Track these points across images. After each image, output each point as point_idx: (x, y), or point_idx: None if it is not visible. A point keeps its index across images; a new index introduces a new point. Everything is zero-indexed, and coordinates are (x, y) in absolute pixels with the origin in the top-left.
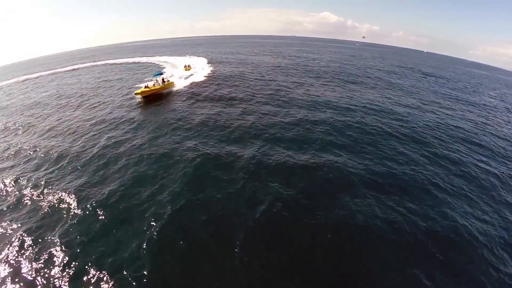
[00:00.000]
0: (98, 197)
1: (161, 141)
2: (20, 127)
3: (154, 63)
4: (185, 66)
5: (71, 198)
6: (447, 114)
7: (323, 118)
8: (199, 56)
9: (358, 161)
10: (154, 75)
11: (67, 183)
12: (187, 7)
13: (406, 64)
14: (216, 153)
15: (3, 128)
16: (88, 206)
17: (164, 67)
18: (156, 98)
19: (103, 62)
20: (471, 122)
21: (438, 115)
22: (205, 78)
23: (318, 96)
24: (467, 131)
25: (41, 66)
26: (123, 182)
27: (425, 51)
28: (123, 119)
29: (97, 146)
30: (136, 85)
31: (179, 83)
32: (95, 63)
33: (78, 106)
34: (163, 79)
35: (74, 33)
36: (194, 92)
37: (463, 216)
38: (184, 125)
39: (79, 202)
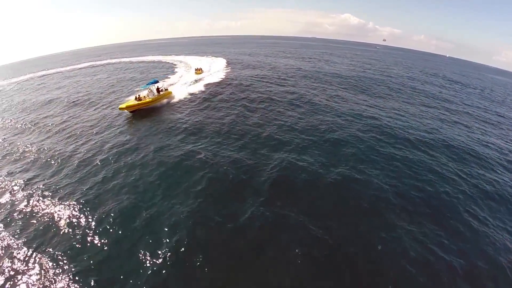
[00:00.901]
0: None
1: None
2: (24, 126)
3: (169, 63)
4: (196, 69)
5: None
6: (479, 128)
7: (346, 128)
8: (217, 56)
9: (387, 180)
10: (148, 84)
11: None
12: (206, 6)
13: (429, 70)
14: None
15: (4, 126)
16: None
17: (177, 68)
18: (148, 111)
19: (117, 60)
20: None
21: (469, 129)
22: (216, 82)
23: (341, 104)
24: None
25: (58, 63)
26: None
27: (447, 56)
28: (110, 138)
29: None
30: (130, 94)
31: (181, 91)
32: (109, 61)
33: (85, 108)
34: (158, 88)
35: (88, 30)
36: (196, 101)
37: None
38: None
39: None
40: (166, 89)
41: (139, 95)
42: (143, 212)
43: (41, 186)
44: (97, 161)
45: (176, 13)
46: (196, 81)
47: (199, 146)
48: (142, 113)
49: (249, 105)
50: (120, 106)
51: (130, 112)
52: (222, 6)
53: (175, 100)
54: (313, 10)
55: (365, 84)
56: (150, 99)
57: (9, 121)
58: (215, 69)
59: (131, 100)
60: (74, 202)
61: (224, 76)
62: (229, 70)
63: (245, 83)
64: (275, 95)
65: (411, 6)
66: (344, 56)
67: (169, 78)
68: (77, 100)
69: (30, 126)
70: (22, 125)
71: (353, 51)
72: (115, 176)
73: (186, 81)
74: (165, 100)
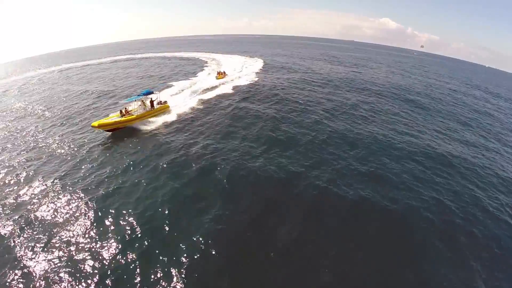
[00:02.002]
0: None
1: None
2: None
3: (201, 60)
4: (218, 73)
5: None
6: None
7: (393, 147)
8: (252, 56)
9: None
10: (140, 95)
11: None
12: (246, 5)
13: (472, 81)
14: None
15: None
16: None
17: (206, 67)
18: (134, 131)
19: (153, 55)
20: None
21: None
22: (243, 88)
23: (387, 120)
24: None
25: (92, 55)
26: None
27: (486, 65)
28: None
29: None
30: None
31: (186, 103)
32: (146, 55)
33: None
34: (152, 101)
35: (128, 25)
36: (203, 117)
37: None
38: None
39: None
40: (163, 102)
41: (126, 108)
42: None
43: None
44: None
45: (215, 11)
46: (211, 88)
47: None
48: (126, 131)
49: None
50: (93, 123)
51: (107, 131)
52: (261, 5)
53: (173, 115)
54: (352, 13)
55: (405, 95)
56: (134, 116)
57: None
58: (247, 72)
59: (113, 115)
60: None
61: (253, 81)
62: (261, 72)
63: (266, 93)
64: (310, 104)
65: (452, 13)
66: (382, 61)
67: (196, 76)
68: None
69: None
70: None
71: (391, 56)
72: None
73: (198, 88)
74: (159, 116)
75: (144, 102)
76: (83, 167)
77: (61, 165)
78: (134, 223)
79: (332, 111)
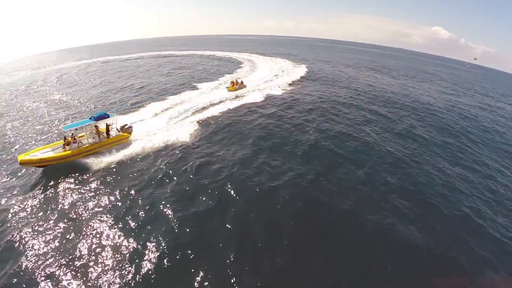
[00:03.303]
0: None
1: None
2: None
3: (237, 60)
4: (232, 83)
5: None
6: None
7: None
8: (295, 61)
9: None
10: (93, 118)
11: None
12: (292, 7)
13: None
14: None
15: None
16: None
17: (237, 69)
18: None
19: (190, 52)
20: None
21: None
22: (255, 105)
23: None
24: None
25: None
26: None
27: None
28: None
29: None
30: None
31: (166, 130)
32: (188, 52)
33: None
34: (107, 127)
35: (171, 21)
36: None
37: None
38: None
39: None
40: (126, 127)
41: (72, 135)
42: None
43: None
44: None
45: (262, 11)
46: (211, 105)
47: None
48: (65, 168)
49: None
50: (21, 156)
51: (37, 167)
52: (309, 7)
53: (136, 146)
54: (402, 20)
55: (466, 123)
56: (69, 153)
57: None
58: (282, 80)
59: (53, 144)
60: None
61: (285, 91)
62: (300, 81)
63: (309, 105)
64: (354, 125)
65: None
66: (435, 74)
67: (212, 81)
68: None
69: None
70: None
71: (442, 68)
72: None
73: (192, 106)
74: (115, 149)
75: (98, 128)
76: None
77: None
78: None
79: (381, 132)
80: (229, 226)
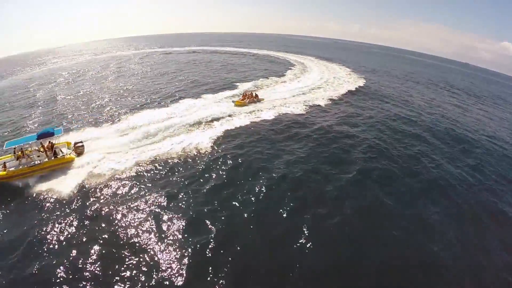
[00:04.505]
0: None
1: None
2: None
3: (289, 63)
4: (244, 95)
5: None
6: None
7: None
8: (352, 70)
9: None
10: (36, 135)
11: None
12: (358, 11)
13: None
14: None
15: None
16: None
17: (287, 72)
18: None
19: (246, 51)
20: None
21: None
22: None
23: None
24: None
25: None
26: None
27: None
28: None
29: None
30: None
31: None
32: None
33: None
34: (52, 145)
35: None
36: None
37: None
38: None
39: None
40: (77, 145)
41: (22, 149)
42: None
43: None
44: None
45: (327, 14)
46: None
47: None
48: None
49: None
50: None
51: None
52: (374, 12)
53: (79, 174)
54: (470, 32)
55: None
56: (5, 173)
57: None
58: (320, 95)
59: (4, 157)
60: None
61: (311, 108)
62: (344, 97)
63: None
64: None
65: None
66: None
67: (257, 85)
68: None
69: None
70: None
71: None
72: None
73: (170, 125)
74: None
75: (43, 146)
76: None
77: None
78: None
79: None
80: None
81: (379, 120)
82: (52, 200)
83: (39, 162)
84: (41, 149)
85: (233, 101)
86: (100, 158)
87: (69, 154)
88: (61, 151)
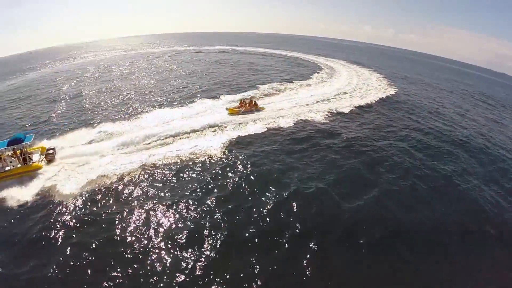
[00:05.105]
0: None
1: None
2: None
3: (316, 65)
4: (241, 103)
5: None
6: None
7: None
8: (383, 76)
9: None
10: (3, 143)
11: None
12: (393, 14)
13: None
14: None
15: None
16: None
17: (315, 76)
18: None
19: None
20: None
21: None
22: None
23: None
24: None
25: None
26: None
27: None
28: None
29: None
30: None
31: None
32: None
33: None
34: (21, 152)
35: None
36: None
37: None
38: None
39: None
40: (48, 152)
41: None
42: None
43: None
44: None
45: (361, 15)
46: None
47: None
48: None
49: None
50: None
51: None
52: (408, 17)
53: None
54: (504, 39)
55: None
56: None
57: None
58: (348, 102)
59: None
60: None
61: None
62: (370, 106)
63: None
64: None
65: None
66: None
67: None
68: None
69: None
70: None
71: None
72: None
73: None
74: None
75: (15, 152)
76: None
77: None
78: None
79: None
80: None
81: (408, 133)
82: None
83: (12, 167)
84: (13, 155)
85: (226, 108)
86: (65, 168)
87: (40, 161)
88: (29, 157)
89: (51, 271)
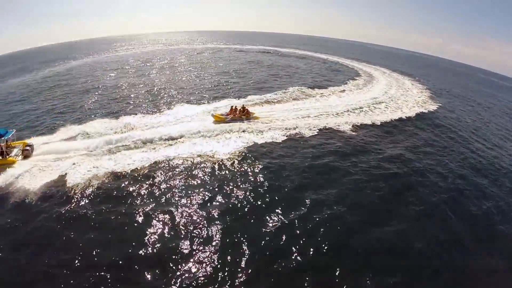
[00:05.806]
0: None
1: None
2: None
3: (355, 70)
4: (231, 109)
5: None
6: None
7: None
8: (426, 88)
9: None
10: None
11: None
12: (440, 23)
13: None
14: None
15: None
16: None
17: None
18: None
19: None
20: None
21: None
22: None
23: None
24: None
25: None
26: None
27: None
28: None
29: None
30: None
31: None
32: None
33: None
34: (6, 145)
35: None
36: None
37: None
38: None
39: None
40: (26, 147)
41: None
42: None
43: None
44: None
45: (408, 26)
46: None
47: None
48: None
49: None
50: None
51: None
52: (459, 27)
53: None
54: None
55: None
56: None
57: None
58: (381, 115)
59: None
60: None
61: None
62: (403, 118)
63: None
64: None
65: None
66: None
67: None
68: None
69: None
70: None
71: None
72: None
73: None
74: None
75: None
76: None
77: None
78: None
79: None
80: None
81: (447, 157)
82: None
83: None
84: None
85: (212, 114)
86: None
87: (17, 156)
88: (6, 152)
89: None
